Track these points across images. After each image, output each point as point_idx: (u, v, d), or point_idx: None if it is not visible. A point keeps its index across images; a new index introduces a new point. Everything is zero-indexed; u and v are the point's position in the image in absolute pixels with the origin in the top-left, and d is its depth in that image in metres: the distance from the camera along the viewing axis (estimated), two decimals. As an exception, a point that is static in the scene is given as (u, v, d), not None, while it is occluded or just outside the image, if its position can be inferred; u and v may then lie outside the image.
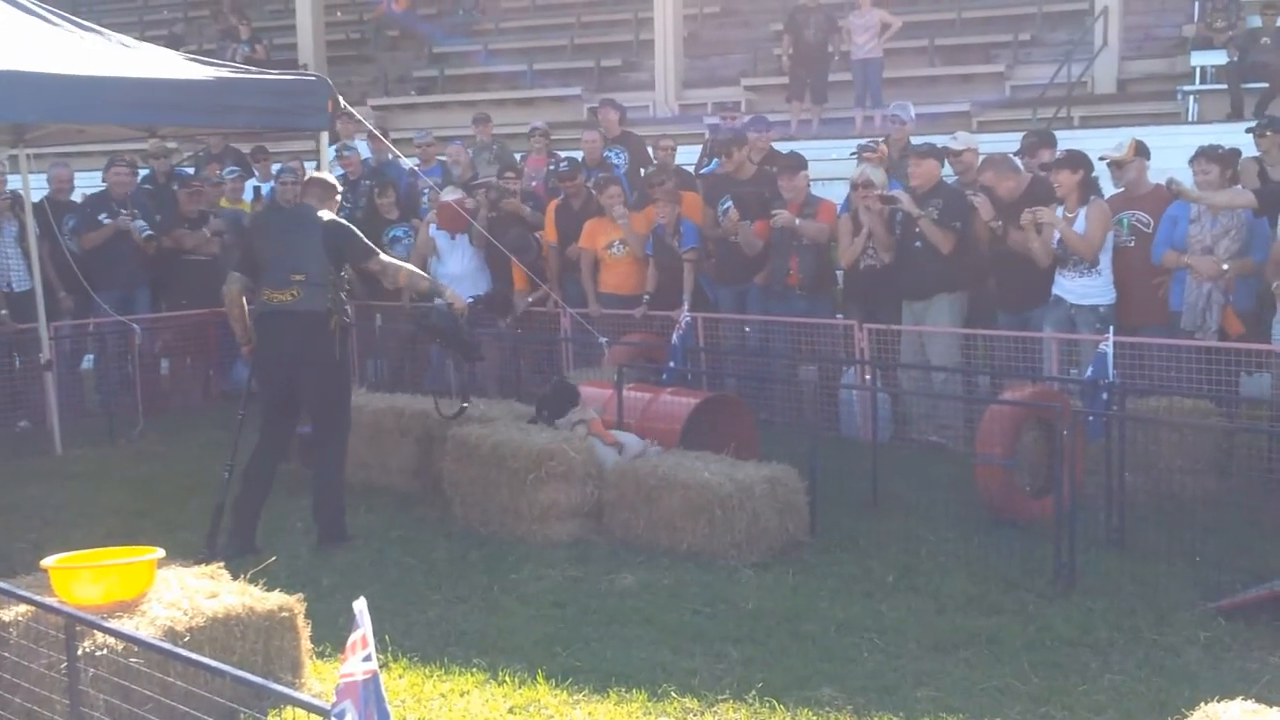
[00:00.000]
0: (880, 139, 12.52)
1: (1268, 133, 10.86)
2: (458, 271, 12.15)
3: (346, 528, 8.08)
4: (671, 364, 9.96)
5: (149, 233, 12.48)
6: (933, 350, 10.22)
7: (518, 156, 14.16)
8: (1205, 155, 9.33)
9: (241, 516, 7.86)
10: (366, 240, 8.07)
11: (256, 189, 14.56)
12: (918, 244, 10.22)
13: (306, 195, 8.20)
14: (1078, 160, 9.73)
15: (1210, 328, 9.06)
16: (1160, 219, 9.47)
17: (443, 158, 14.15)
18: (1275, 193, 9.42)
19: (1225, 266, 9.03)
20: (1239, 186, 9.61)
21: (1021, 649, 6.08)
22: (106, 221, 12.35)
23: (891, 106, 13.26)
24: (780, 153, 12.04)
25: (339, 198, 8.35)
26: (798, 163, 11.18)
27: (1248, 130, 11.00)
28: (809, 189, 11.16)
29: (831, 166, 13.67)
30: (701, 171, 12.95)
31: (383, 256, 8.18)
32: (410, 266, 8.71)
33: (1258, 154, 10.51)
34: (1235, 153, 9.89)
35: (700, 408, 8.76)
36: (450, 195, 11.95)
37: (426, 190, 12.52)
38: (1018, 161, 10.62)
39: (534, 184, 13.01)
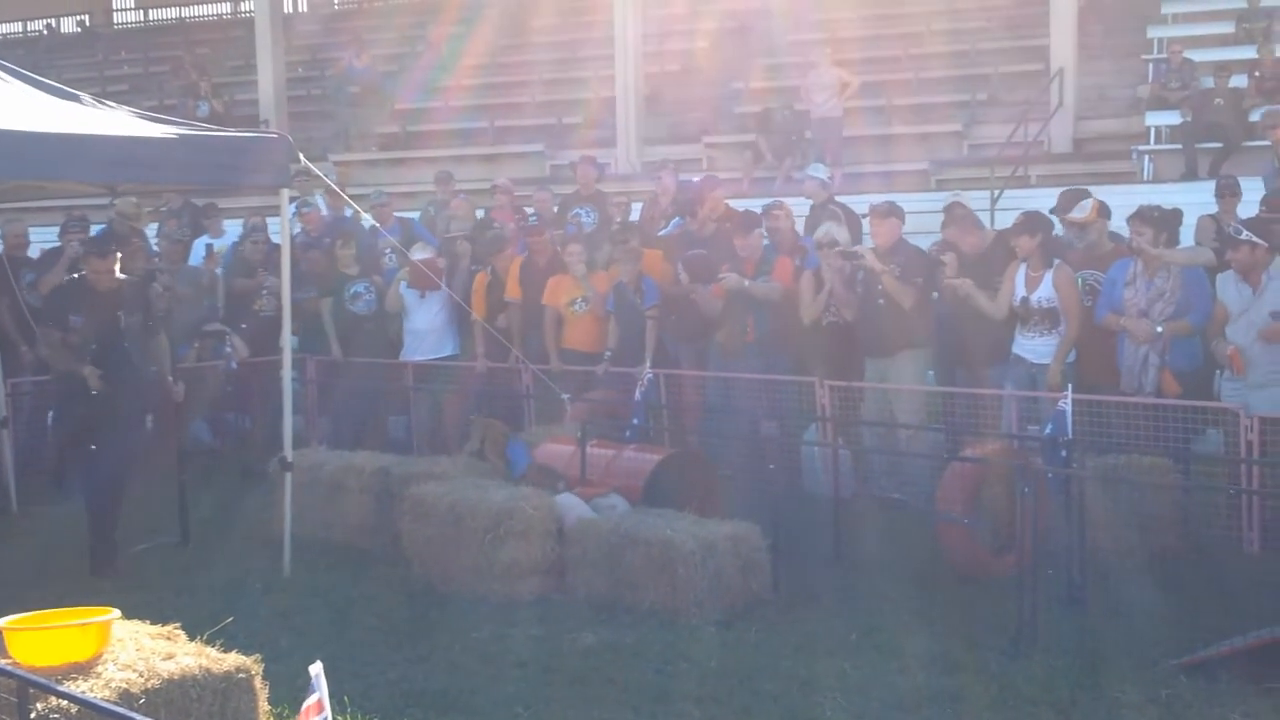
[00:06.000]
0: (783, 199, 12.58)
1: (1226, 194, 11.02)
2: (423, 328, 12.16)
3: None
4: (634, 421, 9.95)
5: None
6: (898, 406, 10.21)
7: (480, 213, 14.16)
8: (1140, 217, 9.31)
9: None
10: None
11: (209, 245, 14.42)
12: (880, 301, 10.23)
13: None
14: (1036, 223, 9.68)
15: (1146, 389, 9.09)
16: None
17: (402, 214, 14.11)
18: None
19: (1159, 329, 9.09)
20: (1194, 244, 9.68)
21: (984, 707, 6.07)
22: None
23: (807, 169, 13.38)
24: (737, 210, 12.07)
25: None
26: (751, 221, 11.15)
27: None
28: (763, 247, 11.17)
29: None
30: (660, 234, 12.92)
31: None
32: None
33: (1214, 213, 10.64)
34: (1176, 214, 9.88)
35: (663, 464, 8.75)
36: (420, 254, 11.93)
37: (389, 250, 12.49)
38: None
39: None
